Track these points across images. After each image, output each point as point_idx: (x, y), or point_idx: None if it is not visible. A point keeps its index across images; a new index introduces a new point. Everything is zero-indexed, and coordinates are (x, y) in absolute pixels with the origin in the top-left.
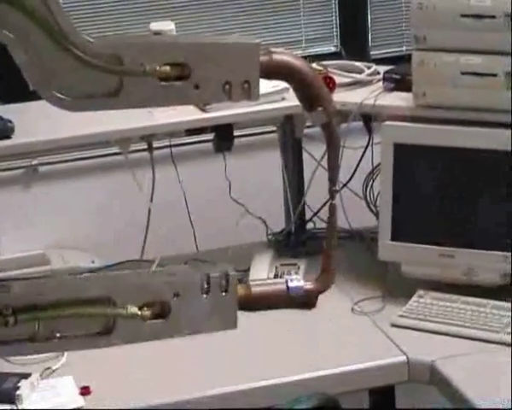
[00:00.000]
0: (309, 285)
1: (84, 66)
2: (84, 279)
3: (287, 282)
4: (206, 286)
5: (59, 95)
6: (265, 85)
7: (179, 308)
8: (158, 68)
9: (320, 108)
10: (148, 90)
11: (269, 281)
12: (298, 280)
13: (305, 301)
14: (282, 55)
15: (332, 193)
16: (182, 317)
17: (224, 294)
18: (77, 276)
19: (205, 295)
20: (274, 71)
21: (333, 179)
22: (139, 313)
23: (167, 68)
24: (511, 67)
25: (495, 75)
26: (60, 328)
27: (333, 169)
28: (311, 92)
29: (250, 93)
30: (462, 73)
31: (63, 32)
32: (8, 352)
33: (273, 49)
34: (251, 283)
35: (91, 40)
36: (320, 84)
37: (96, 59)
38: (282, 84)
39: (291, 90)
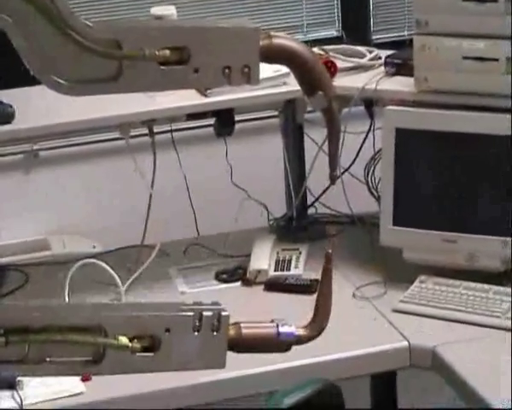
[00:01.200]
0: (301, 332)
1: (83, 50)
2: (77, 307)
3: (277, 327)
4: (197, 324)
5: (58, 79)
6: (266, 70)
7: (169, 344)
8: (157, 53)
9: (320, 93)
10: (148, 75)
11: (260, 324)
12: (289, 326)
13: (297, 342)
14: (282, 40)
15: (332, 178)
16: (171, 352)
17: (214, 333)
18: (70, 303)
19: (196, 333)
20: (274, 55)
21: (333, 165)
22: (130, 344)
23: (167, 52)
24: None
25: (497, 60)
26: (50, 352)
27: (333, 154)
28: (312, 76)
29: (250, 77)
30: (464, 58)
31: (62, 16)
32: None
33: (273, 34)
34: (242, 325)
35: (90, 25)
36: (320, 68)
37: (95, 43)
38: (284, 69)
39: (292, 75)
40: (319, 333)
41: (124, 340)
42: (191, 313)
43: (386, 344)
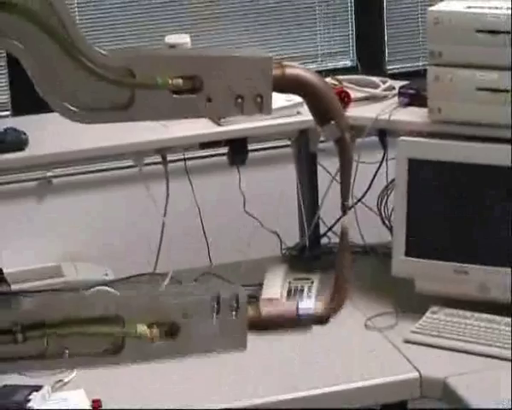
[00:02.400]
0: (319, 308)
1: (95, 78)
2: (94, 297)
3: (297, 303)
4: (215, 307)
5: (70, 107)
6: (280, 99)
7: (188, 329)
8: (170, 81)
9: (333, 123)
10: (161, 103)
11: (279, 302)
12: (309, 301)
13: (317, 320)
14: (295, 69)
15: (344, 208)
16: (191, 337)
17: (233, 315)
18: (86, 293)
19: (214, 316)
20: (286, 84)
21: (345, 194)
22: (148, 332)
23: (179, 81)
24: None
25: (510, 91)
26: (69, 345)
27: (345, 184)
28: (323, 106)
29: (262, 107)
30: (478, 89)
31: (75, 43)
32: (17, 368)
33: (286, 63)
34: (261, 303)
35: (104, 52)
36: (332, 98)
37: (107, 71)
38: (297, 98)
39: (305, 105)
40: (338, 308)
41: (142, 328)
42: (209, 297)
43: (397, 375)
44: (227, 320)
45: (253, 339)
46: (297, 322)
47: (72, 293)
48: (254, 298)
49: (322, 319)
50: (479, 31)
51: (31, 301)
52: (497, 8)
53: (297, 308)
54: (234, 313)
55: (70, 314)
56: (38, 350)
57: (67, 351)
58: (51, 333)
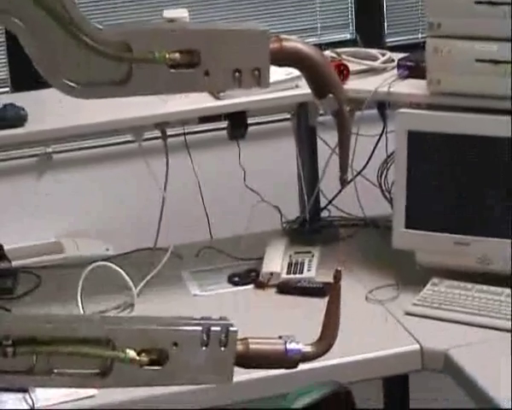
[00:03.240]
0: (308, 349)
1: (93, 53)
2: (86, 318)
3: (285, 343)
4: (205, 339)
5: (68, 82)
6: (279, 73)
7: (177, 357)
8: (167, 56)
9: (331, 96)
10: (158, 78)
11: (268, 340)
12: (296, 342)
13: (302, 360)
14: (292, 42)
15: (342, 181)
16: (179, 366)
17: (222, 348)
18: (78, 315)
19: (203, 348)
20: (284, 58)
21: (344, 167)
22: (137, 358)
23: (177, 55)
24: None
25: (509, 62)
26: (58, 364)
27: (344, 157)
28: (321, 79)
29: (260, 80)
30: (477, 61)
31: (72, 19)
32: (5, 382)
33: (283, 37)
34: (250, 340)
35: (101, 28)
36: (330, 70)
37: (105, 46)
38: (296, 72)
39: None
40: (326, 351)
41: (131, 353)
42: (199, 328)
43: (398, 347)
44: (215, 353)
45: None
46: (285, 360)
47: (65, 315)
48: (255, 272)
49: (309, 359)
50: (478, 2)
51: (24, 316)
52: None
53: (285, 348)
54: (223, 346)
55: (61, 333)
56: (27, 366)
57: (56, 370)
58: (41, 350)
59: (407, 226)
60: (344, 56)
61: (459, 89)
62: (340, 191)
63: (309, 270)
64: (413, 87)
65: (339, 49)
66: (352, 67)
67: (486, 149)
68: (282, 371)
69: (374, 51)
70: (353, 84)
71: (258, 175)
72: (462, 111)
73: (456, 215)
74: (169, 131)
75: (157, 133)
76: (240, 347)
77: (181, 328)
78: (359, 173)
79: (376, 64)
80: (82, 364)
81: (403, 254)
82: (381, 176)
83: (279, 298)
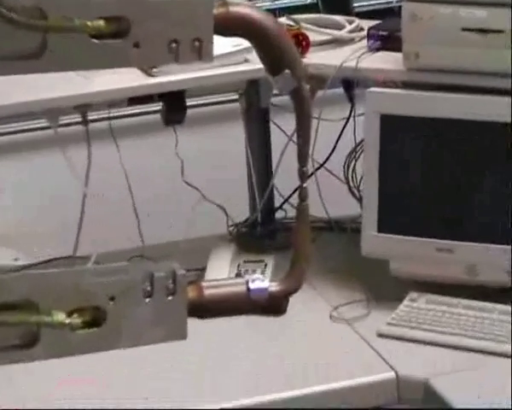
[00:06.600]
0: (274, 286)
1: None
2: (2, 280)
3: (247, 283)
4: (148, 288)
5: None
6: (224, 44)
7: (116, 315)
8: (89, 23)
9: (287, 72)
10: (78, 50)
11: (225, 282)
12: (261, 280)
13: (272, 305)
14: (241, 8)
15: (302, 175)
16: (120, 325)
17: (170, 297)
18: None
19: (147, 299)
20: (231, 26)
21: (303, 159)
22: (67, 320)
23: (101, 23)
24: None
25: (502, 32)
26: None
27: (303, 146)
28: (276, 52)
29: (202, 53)
30: (463, 30)
31: None
32: None
33: (230, 1)
34: (204, 284)
35: None
36: (287, 41)
37: (12, 12)
38: (245, 43)
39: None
40: (298, 287)
41: (59, 315)
42: (139, 276)
43: (369, 375)
44: (162, 305)
45: (194, 326)
46: (249, 304)
47: None
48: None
49: (279, 302)
50: None
51: None
52: None
53: (248, 288)
54: (170, 295)
55: None
56: None
57: None
58: None
59: (379, 230)
60: (303, 24)
61: (442, 63)
62: (298, 188)
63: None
64: (386, 62)
65: (297, 16)
66: (313, 37)
67: (474, 135)
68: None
69: (339, 18)
70: (314, 58)
71: (198, 168)
72: (446, 91)
73: (438, 217)
74: (91, 115)
75: (77, 117)
76: (192, 293)
77: (117, 278)
78: (322, 166)
79: (342, 34)
80: (2, 335)
81: (374, 263)
82: (347, 169)
83: (225, 321)
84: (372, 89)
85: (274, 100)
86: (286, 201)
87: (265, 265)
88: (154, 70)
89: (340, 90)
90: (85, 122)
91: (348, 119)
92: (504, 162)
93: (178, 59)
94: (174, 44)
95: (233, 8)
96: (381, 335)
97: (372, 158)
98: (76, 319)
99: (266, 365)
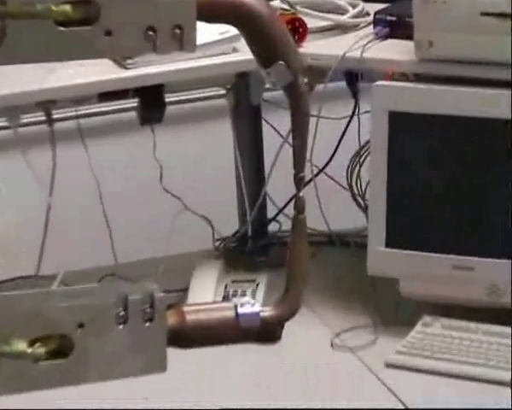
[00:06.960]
0: (267, 311)
1: None
2: None
3: (236, 307)
4: (122, 313)
5: None
6: (209, 32)
7: (85, 344)
8: (54, 8)
9: (281, 63)
10: (41, 39)
11: (211, 306)
12: (251, 304)
13: (264, 332)
14: None
15: (298, 182)
16: (88, 356)
17: (147, 324)
18: None
19: (121, 326)
20: (216, 11)
21: (299, 163)
22: (29, 350)
23: (67, 8)
24: None
25: None
26: None
27: (299, 148)
28: (268, 40)
29: (183, 42)
30: (482, 14)
31: None
32: None
33: None
34: (186, 308)
35: None
36: (280, 28)
37: None
38: (233, 31)
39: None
40: (294, 311)
41: (20, 344)
42: (112, 299)
43: None
44: (138, 332)
45: (175, 357)
46: (238, 332)
47: None
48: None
49: (270, 334)
50: None
51: None
52: None
53: (236, 313)
54: (147, 321)
55: None
56: None
57: None
58: None
59: (388, 245)
60: (299, 8)
61: (458, 53)
62: (294, 196)
63: (252, 304)
64: (395, 51)
65: None
66: (312, 23)
67: (496, 135)
68: None
69: (341, 1)
70: (312, 48)
71: (180, 173)
72: (463, 84)
73: (457, 229)
74: (56, 114)
75: (40, 116)
76: (172, 319)
77: (87, 302)
78: (321, 171)
79: (345, 19)
80: None
81: (382, 282)
82: (351, 174)
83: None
84: (379, 82)
85: (266, 95)
86: (280, 211)
87: (257, 285)
88: (129, 61)
89: (343, 84)
90: (50, 121)
91: (352, 117)
92: None
93: (156, 49)
94: (151, 32)
95: None
96: (389, 365)
97: (379, 162)
98: (39, 349)
99: (254, 399)
